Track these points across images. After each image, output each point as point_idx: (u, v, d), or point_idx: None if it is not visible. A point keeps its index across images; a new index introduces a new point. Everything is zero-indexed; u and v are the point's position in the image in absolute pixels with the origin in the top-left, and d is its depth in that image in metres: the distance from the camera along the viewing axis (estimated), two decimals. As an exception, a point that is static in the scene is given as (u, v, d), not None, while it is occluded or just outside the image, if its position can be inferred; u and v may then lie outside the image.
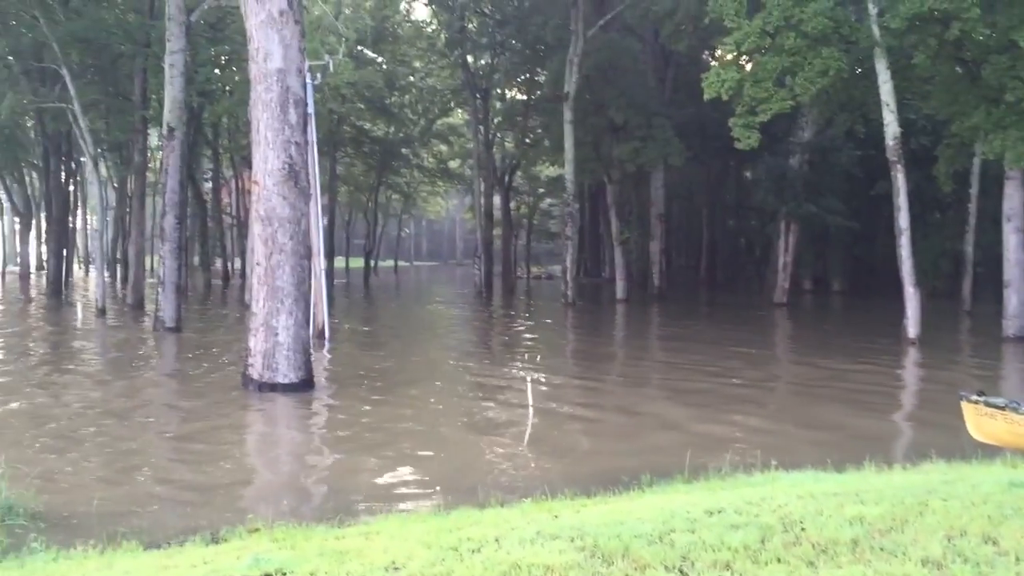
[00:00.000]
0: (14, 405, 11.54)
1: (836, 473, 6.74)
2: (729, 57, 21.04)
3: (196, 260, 45.02)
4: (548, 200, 53.53)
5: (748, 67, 20.49)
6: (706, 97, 19.99)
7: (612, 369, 16.60)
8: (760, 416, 10.83)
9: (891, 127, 19.10)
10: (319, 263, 17.69)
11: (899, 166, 19.05)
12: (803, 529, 4.30)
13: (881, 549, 3.99)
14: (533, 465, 8.35)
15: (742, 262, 48.38)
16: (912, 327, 18.52)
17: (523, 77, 42.32)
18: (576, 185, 33.19)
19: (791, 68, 19.07)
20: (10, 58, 27.36)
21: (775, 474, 6.72)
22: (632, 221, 37.91)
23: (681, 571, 3.76)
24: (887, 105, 19.08)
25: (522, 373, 14.31)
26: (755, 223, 43.53)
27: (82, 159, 41.99)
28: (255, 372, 11.97)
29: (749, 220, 45.36)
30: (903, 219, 18.95)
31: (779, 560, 3.86)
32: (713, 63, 25.81)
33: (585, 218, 46.68)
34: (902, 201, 18.96)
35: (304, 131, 12.78)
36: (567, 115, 30.49)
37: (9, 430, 9.71)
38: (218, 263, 49.32)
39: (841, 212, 31.87)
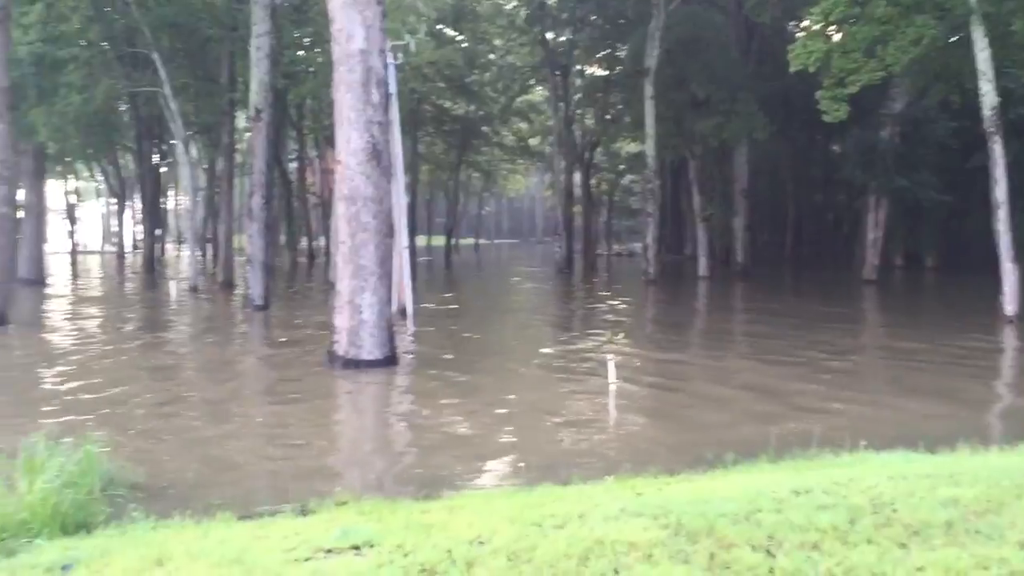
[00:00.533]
0: (113, 380, 12.00)
1: (928, 454, 6.56)
2: (816, 27, 20.43)
3: (282, 239, 46.00)
4: (629, 177, 53.00)
5: (836, 37, 19.89)
6: (792, 69, 19.51)
7: (695, 347, 16.43)
8: (849, 396, 10.58)
9: (988, 97, 18.33)
10: (401, 241, 17.89)
11: (997, 137, 18.29)
12: (894, 511, 4.20)
13: (977, 532, 3.87)
14: (615, 442, 8.34)
15: (829, 238, 47.21)
16: (1009, 304, 17.86)
17: (603, 53, 41.84)
18: (657, 161, 32.78)
19: (882, 37, 18.45)
20: (104, 44, 28.21)
21: (864, 454, 6.56)
22: (715, 197, 37.33)
23: (768, 551, 3.72)
24: (984, 74, 18.30)
25: (604, 350, 14.27)
26: (843, 198, 42.37)
27: (173, 141, 43.15)
28: (340, 349, 12.20)
29: (837, 195, 44.18)
30: (1000, 192, 18.22)
31: (869, 542, 3.78)
32: (799, 34, 25.12)
33: (667, 194, 46.08)
34: (1000, 174, 18.23)
35: (386, 111, 12.92)
36: (648, 90, 30.10)
37: (108, 404, 10.10)
38: (303, 242, 50.34)
39: (934, 186, 30.82)
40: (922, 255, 38.61)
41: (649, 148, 31.37)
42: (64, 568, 4.13)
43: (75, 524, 5.09)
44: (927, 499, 4.39)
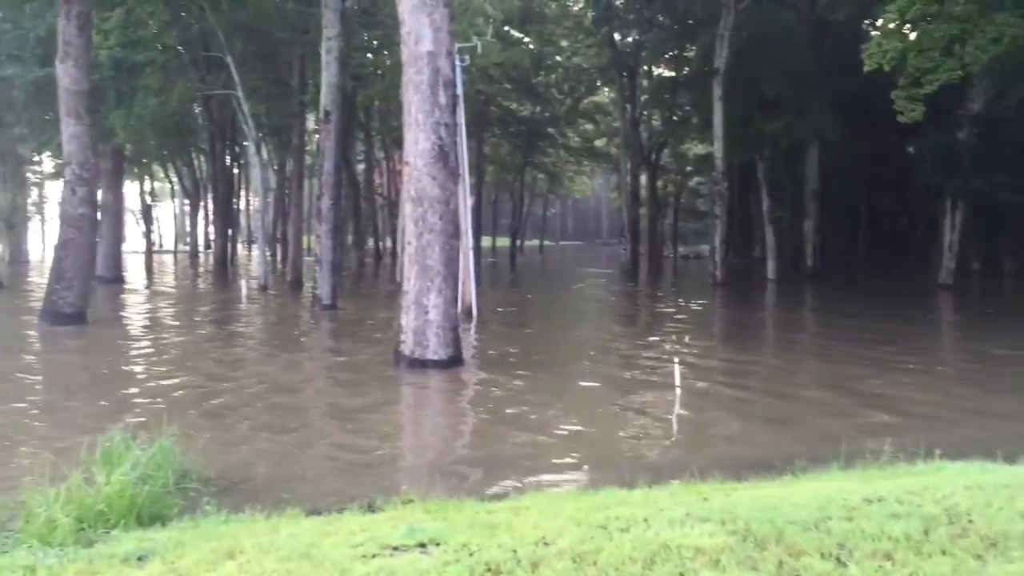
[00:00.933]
0: (186, 376, 12.31)
1: (1007, 465, 6.35)
2: (891, 25, 19.95)
3: (349, 239, 46.64)
4: (696, 178, 52.42)
5: (912, 36, 19.40)
6: (866, 69, 19.07)
7: (763, 351, 16.18)
8: (924, 403, 10.32)
9: (1072, 96, 17.73)
10: (467, 242, 18.00)
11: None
12: (970, 521, 4.09)
13: (1057, 546, 3.74)
14: (681, 446, 8.26)
15: (903, 242, 46.06)
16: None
17: (671, 54, 41.57)
18: (725, 163, 32.37)
19: (960, 36, 17.92)
20: (180, 48, 28.94)
21: (939, 463, 6.38)
22: (784, 199, 36.72)
23: (838, 559, 3.65)
24: (1068, 73, 17.71)
25: (669, 353, 14.17)
26: (918, 200, 41.30)
27: (245, 143, 44.01)
28: (406, 349, 12.31)
29: (911, 197, 43.06)
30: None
31: (944, 552, 3.69)
32: (873, 32, 24.57)
33: (734, 196, 45.45)
34: (1085, 175, 17.61)
35: (453, 112, 13.00)
36: (716, 91, 29.79)
37: (181, 399, 10.36)
38: (369, 242, 50.94)
39: (1013, 188, 29.85)
40: (1001, 259, 37.44)
41: (717, 149, 31.04)
42: (140, 559, 4.25)
43: (150, 516, 5.22)
44: (1005, 510, 4.26)
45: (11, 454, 7.57)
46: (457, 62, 15.36)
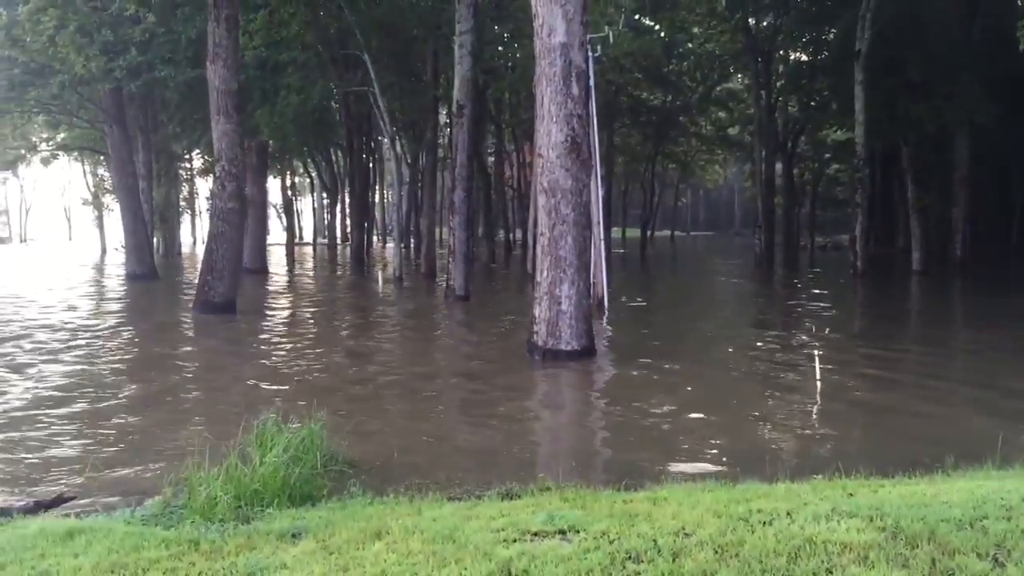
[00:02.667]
0: (328, 363, 12.81)
1: None
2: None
3: (480, 231, 47.28)
4: (835, 166, 50.64)
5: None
6: (1022, 47, 18.03)
7: (908, 345, 15.51)
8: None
9: None
10: (598, 233, 17.96)
11: None
12: None
13: None
14: (822, 441, 8.04)
15: (1061, 230, 43.28)
16: None
17: (808, 37, 40.30)
18: (867, 149, 31.14)
19: None
20: (319, 47, 29.95)
21: (1106, 464, 6.02)
22: (931, 186, 35.04)
23: (996, 559, 3.51)
24: None
25: (807, 345, 13.79)
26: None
27: (380, 138, 45.38)
28: (539, 339, 12.41)
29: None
30: None
31: (1112, 557, 3.49)
32: (1030, 8, 23.14)
33: (876, 184, 43.76)
34: None
35: (586, 104, 12.99)
36: (858, 75, 28.70)
37: (325, 385, 10.78)
38: (500, 233, 51.49)
39: None
40: None
41: (858, 135, 29.91)
42: (294, 536, 4.47)
43: (301, 496, 5.48)
44: None
45: (173, 435, 8.06)
46: (589, 53, 15.34)
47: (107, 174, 48.66)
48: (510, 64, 32.95)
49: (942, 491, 4.77)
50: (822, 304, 21.86)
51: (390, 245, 42.50)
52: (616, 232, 55.43)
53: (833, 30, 36.76)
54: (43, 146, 47.63)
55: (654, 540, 3.87)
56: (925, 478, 5.69)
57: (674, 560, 3.64)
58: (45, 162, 52.00)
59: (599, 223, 18.57)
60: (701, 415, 9.00)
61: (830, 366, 11.72)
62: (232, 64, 18.52)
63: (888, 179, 46.31)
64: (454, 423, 9.08)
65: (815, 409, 9.45)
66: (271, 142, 33.56)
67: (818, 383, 10.41)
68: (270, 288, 27.41)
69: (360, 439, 7.64)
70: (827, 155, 49.25)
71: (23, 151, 45.84)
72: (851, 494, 4.86)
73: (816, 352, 11.21)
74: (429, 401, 10.07)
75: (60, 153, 50.38)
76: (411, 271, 32.71)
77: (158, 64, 24.43)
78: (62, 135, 44.91)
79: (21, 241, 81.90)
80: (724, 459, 7.20)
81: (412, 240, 47.79)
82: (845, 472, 5.82)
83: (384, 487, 5.90)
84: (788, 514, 4.19)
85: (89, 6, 23.84)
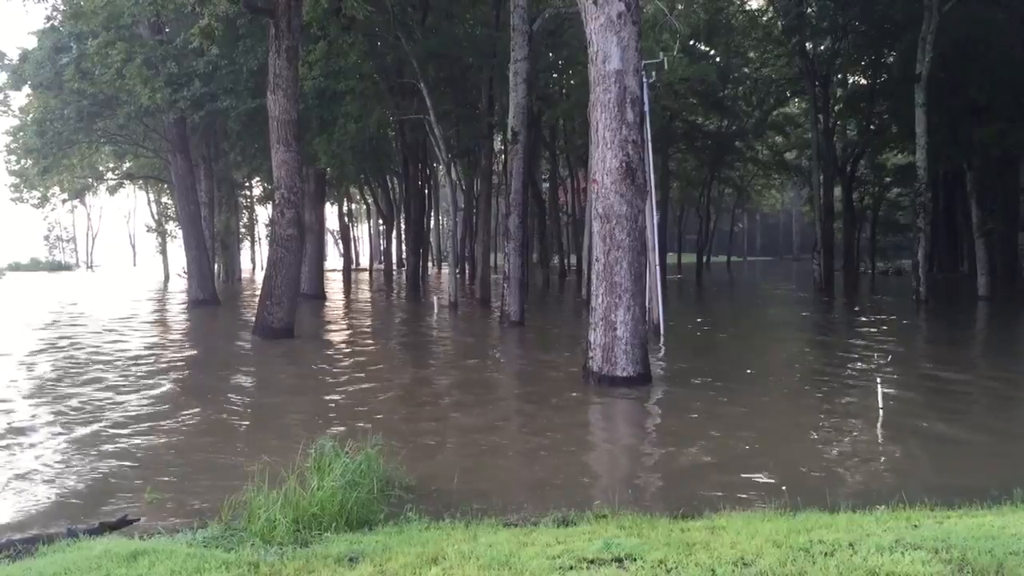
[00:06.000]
0: (385, 388, 12.90)
1: None
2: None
3: (535, 257, 47.34)
4: (895, 190, 49.80)
5: None
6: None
7: (973, 374, 15.10)
8: None
9: None
10: (653, 259, 17.88)
11: None
12: None
13: None
14: (884, 470, 7.86)
15: None
16: None
17: (867, 60, 39.83)
18: (929, 173, 30.57)
19: None
20: (376, 76, 30.41)
21: None
22: (996, 210, 34.25)
23: (1068, 595, 3.40)
24: None
25: (871, 373, 13.51)
26: None
27: (436, 165, 45.78)
28: (595, 365, 12.37)
29: None
30: None
31: None
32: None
33: (939, 208, 42.92)
34: None
35: (640, 130, 13.00)
36: (918, 98, 28.23)
37: (382, 409, 10.87)
38: (555, 259, 51.52)
39: None
40: None
41: (920, 159, 29.35)
42: (351, 560, 4.51)
43: (358, 520, 5.53)
44: None
45: (233, 458, 8.19)
46: (644, 79, 15.35)
47: (170, 202, 49.96)
48: (564, 91, 33.10)
49: (1010, 523, 4.64)
50: (884, 329, 21.43)
51: (445, 270, 42.81)
52: (671, 258, 55.11)
53: (893, 53, 36.26)
54: (109, 175, 49.11)
55: (712, 570, 3.82)
56: (992, 509, 5.55)
57: (733, 591, 3.60)
58: (111, 190, 53.42)
59: (654, 249, 18.51)
60: (758, 443, 8.87)
61: (892, 393, 11.47)
62: (292, 94, 18.90)
63: (951, 203, 45.41)
64: (510, 449, 9.07)
65: (877, 438, 9.26)
66: (329, 170, 34.06)
67: (880, 411, 10.18)
68: (327, 313, 27.76)
69: (416, 463, 7.67)
70: (887, 179, 48.49)
71: (90, 180, 47.22)
72: (916, 525, 4.75)
73: (878, 380, 10.97)
74: (484, 426, 10.07)
75: (126, 182, 51.86)
76: (466, 296, 32.85)
77: (220, 95, 25.05)
78: (128, 164, 46.35)
79: (88, 267, 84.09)
80: (783, 487, 7.08)
81: (467, 266, 48.04)
82: (909, 502, 5.70)
83: (439, 512, 5.93)
84: (850, 545, 4.12)
85: (155, 40, 24.60)
